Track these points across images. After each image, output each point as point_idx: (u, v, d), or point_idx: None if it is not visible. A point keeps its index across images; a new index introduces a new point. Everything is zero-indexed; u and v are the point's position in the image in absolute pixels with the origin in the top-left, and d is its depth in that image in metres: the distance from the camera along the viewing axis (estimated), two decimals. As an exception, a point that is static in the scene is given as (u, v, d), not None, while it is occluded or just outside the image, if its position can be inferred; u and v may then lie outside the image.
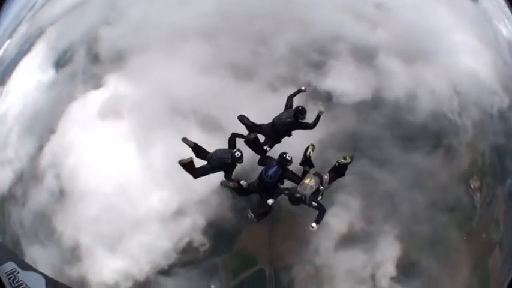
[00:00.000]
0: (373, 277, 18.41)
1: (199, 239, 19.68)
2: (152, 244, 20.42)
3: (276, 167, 12.13)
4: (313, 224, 11.03)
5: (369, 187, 19.99)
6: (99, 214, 20.89)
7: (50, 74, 22.19)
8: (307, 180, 11.18)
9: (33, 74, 21.91)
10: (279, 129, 13.40)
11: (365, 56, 22.03)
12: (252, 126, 13.16)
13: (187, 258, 18.74)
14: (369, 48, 22.65)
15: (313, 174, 11.49)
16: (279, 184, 11.84)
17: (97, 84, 22.67)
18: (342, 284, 18.35)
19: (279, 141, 13.49)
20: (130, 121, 22.04)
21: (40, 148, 21.13)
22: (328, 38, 22.02)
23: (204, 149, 12.84)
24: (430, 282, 18.54)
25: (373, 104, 21.22)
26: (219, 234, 18.07)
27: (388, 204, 19.96)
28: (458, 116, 20.41)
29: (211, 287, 19.86)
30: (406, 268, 18.45)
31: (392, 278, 18.23)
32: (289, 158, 12.17)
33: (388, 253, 18.71)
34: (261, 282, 19.47)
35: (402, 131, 20.79)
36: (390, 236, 19.55)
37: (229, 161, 12.40)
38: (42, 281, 14.17)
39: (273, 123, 13.52)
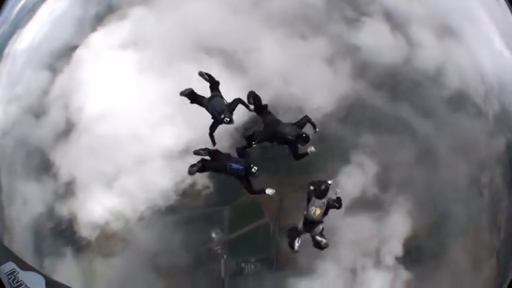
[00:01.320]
0: (378, 252, 16.96)
1: (203, 182, 18.38)
2: (152, 182, 19.57)
3: (241, 168, 12.81)
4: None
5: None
6: (101, 148, 20.50)
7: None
8: (318, 212, 11.83)
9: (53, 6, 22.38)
10: (275, 136, 13.58)
11: (398, 23, 21.87)
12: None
13: (187, 201, 16.67)
14: (402, 16, 22.09)
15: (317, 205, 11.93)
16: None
17: (121, 15, 22.15)
18: (346, 252, 16.99)
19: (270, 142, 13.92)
20: (150, 53, 21.19)
21: (52, 81, 21.18)
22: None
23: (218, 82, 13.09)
24: (436, 270, 18.25)
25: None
26: (226, 180, 16.53)
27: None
28: (483, 102, 19.33)
29: (212, 235, 19.26)
30: (413, 250, 17.81)
31: (397, 258, 17.65)
32: (254, 171, 12.87)
33: (397, 228, 17.39)
34: (264, 238, 19.11)
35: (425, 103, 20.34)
36: (404, 209, 18.30)
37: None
38: (42, 281, 13.89)
39: (275, 126, 13.51)
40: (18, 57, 20.87)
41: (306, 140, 12.84)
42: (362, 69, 20.41)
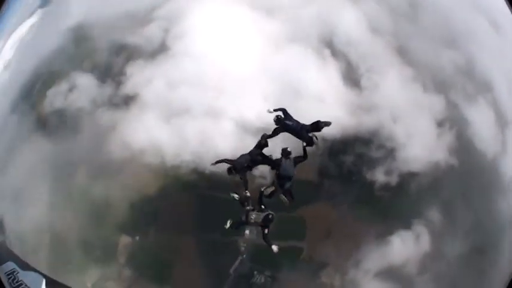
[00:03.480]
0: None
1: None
2: (210, 140, 18.26)
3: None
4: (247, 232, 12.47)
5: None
6: (180, 80, 19.25)
7: None
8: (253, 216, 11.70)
9: None
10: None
11: (502, 119, 20.79)
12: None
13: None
14: (506, 115, 20.80)
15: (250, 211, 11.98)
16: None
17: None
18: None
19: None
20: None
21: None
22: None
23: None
24: None
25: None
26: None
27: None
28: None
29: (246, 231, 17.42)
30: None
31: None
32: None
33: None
34: (290, 260, 18.32)
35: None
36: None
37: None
38: (42, 281, 13.43)
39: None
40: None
41: (286, 152, 12.05)
42: (461, 146, 19.37)
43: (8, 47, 19.47)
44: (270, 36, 19.46)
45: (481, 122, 20.19)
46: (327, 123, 12.13)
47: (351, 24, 20.20)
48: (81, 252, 18.65)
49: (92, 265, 18.52)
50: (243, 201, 12.23)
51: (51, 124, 19.38)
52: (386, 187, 18.37)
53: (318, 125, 12.25)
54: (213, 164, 12.44)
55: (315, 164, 18.43)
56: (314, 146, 12.23)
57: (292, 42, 19.35)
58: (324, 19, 20.10)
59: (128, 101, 19.23)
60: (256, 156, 12.29)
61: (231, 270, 18.39)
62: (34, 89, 19.49)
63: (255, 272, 18.41)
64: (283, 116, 12.17)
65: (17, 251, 18.03)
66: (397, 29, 20.62)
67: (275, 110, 12.17)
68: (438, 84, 19.92)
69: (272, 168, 12.33)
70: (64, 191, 18.87)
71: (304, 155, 12.19)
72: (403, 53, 20.16)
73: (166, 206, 18.63)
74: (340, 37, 20.01)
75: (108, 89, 19.47)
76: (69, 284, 17.94)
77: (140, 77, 19.44)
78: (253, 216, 11.74)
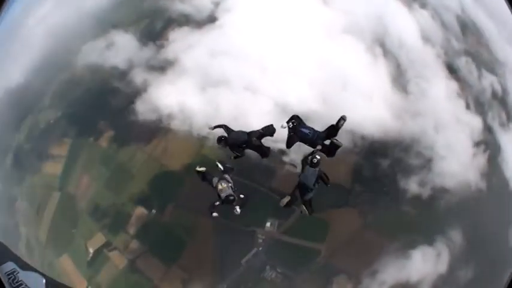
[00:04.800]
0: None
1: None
2: (244, 116, 17.53)
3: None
4: (238, 209, 11.48)
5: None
6: (221, 51, 18.58)
7: None
8: (219, 187, 11.62)
9: None
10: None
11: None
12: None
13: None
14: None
15: (220, 179, 11.85)
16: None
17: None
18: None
19: None
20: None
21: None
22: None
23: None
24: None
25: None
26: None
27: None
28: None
29: (267, 223, 17.73)
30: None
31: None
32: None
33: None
34: (306, 260, 17.86)
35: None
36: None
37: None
38: (42, 281, 13.18)
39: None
40: None
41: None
42: (491, 171, 18.66)
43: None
44: (323, 23, 18.79)
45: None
46: (342, 121, 11.38)
47: (405, 29, 19.68)
48: (89, 216, 18.18)
49: (99, 231, 17.93)
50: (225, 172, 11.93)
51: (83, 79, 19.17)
52: (417, 199, 17.57)
53: (333, 129, 11.54)
54: (210, 129, 12.11)
55: (348, 167, 17.65)
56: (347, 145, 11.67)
57: (346, 33, 18.77)
58: (379, 17, 19.46)
59: (165, 65, 18.73)
60: (254, 141, 11.80)
61: (243, 261, 17.54)
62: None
63: (268, 267, 17.59)
64: (296, 123, 11.68)
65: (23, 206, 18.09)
66: (446, 44, 20.20)
67: (288, 122, 11.67)
68: (478, 105, 19.49)
69: (262, 157, 11.98)
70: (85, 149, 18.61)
71: (327, 178, 11.58)
72: (450, 67, 19.73)
73: (188, 183, 17.87)
74: (393, 39, 19.39)
75: (147, 52, 19.12)
76: (70, 249, 17.76)
77: (182, 43, 19.02)
78: (222, 184, 11.59)
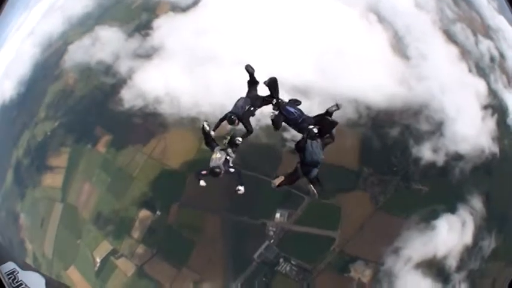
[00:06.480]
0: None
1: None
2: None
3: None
4: (240, 187, 10.84)
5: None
6: (208, 29, 18.36)
7: None
8: (213, 155, 11.09)
9: None
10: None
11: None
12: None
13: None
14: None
15: (221, 149, 11.29)
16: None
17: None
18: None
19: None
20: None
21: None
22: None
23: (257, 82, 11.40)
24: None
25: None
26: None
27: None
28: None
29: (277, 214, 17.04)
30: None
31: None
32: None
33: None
34: (320, 250, 17.14)
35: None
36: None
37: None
38: (42, 281, 13.45)
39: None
40: None
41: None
42: (502, 134, 18.17)
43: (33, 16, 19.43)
44: None
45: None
46: (335, 107, 10.45)
47: None
48: (93, 225, 17.60)
49: (104, 239, 17.40)
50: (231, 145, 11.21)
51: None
52: (432, 167, 16.87)
53: (324, 117, 10.63)
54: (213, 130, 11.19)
55: (355, 142, 16.78)
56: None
57: (337, 1, 18.21)
58: None
59: (151, 51, 18.45)
60: (256, 96, 11.10)
61: (255, 256, 16.61)
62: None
63: (281, 260, 16.66)
64: (286, 101, 10.91)
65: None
66: (440, 11, 19.77)
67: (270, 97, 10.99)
68: (479, 69, 18.89)
69: (275, 108, 10.89)
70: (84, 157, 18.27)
71: (331, 136, 10.67)
72: (447, 33, 19.21)
73: (191, 181, 16.96)
74: (387, 6, 18.74)
75: (133, 42, 18.82)
76: (77, 261, 17.30)
77: (167, 28, 18.75)
78: (217, 154, 10.96)
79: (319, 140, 10.51)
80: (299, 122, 10.70)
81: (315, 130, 10.43)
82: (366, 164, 17.02)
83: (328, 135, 10.78)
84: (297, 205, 16.72)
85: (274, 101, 10.85)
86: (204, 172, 10.97)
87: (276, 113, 10.84)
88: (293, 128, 10.89)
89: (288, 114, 10.74)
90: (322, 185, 10.66)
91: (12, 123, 18.90)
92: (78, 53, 18.77)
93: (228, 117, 10.80)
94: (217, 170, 10.81)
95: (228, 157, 11.15)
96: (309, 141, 10.51)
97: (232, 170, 11.03)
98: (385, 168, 17.02)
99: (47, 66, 19.11)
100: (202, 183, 10.80)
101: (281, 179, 11.15)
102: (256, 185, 16.22)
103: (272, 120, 10.87)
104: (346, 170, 16.88)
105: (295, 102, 11.00)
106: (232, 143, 11.36)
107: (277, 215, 16.84)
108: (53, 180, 18.32)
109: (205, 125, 11.20)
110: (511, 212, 16.95)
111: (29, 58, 18.99)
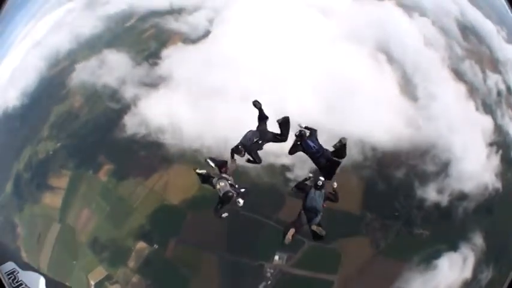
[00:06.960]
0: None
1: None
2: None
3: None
4: (240, 200, 10.82)
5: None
6: (216, 63, 18.29)
7: None
8: (217, 186, 11.09)
9: None
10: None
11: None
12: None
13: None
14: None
15: (218, 179, 11.37)
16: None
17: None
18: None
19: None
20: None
21: None
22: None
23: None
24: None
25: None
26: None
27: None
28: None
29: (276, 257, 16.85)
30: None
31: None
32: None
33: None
34: None
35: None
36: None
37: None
38: (42, 281, 13.56)
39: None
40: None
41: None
42: (505, 170, 18.05)
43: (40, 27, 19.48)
44: (323, 31, 18.21)
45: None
46: (339, 143, 10.44)
47: (407, 36, 19.16)
48: (89, 249, 17.49)
49: (99, 264, 17.28)
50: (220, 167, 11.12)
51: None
52: (436, 208, 17.03)
53: (337, 152, 10.72)
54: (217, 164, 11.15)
55: (359, 184, 16.82)
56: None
57: (347, 40, 18.00)
58: (381, 26, 18.86)
59: (158, 80, 18.49)
60: (266, 131, 11.13)
61: (254, 291, 16.58)
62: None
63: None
64: (308, 134, 11.09)
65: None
66: (449, 48, 19.92)
67: (307, 128, 11.02)
68: (487, 106, 19.03)
69: (298, 139, 10.95)
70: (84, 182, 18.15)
71: (336, 196, 10.91)
72: (455, 71, 19.33)
73: (190, 217, 17.40)
74: (396, 45, 18.76)
75: (141, 70, 18.83)
76: (71, 280, 17.28)
77: (175, 58, 18.73)
78: (220, 183, 10.93)
79: (323, 191, 10.91)
80: (317, 156, 10.98)
81: (320, 182, 10.76)
82: (369, 208, 16.95)
83: (334, 192, 10.98)
84: (296, 248, 16.75)
85: (300, 132, 11.01)
86: (219, 206, 10.97)
87: (302, 126, 11.01)
88: (310, 158, 11.09)
89: (306, 147, 10.99)
90: (324, 234, 10.67)
91: (15, 134, 18.92)
92: (85, 73, 18.81)
93: (235, 147, 11.04)
94: (230, 194, 10.82)
95: (229, 181, 11.18)
96: (313, 189, 10.91)
97: (243, 189, 11.01)
98: (388, 213, 16.92)
99: (53, 84, 19.07)
100: (224, 215, 10.80)
101: (292, 231, 11.09)
102: (256, 226, 16.49)
103: (292, 146, 11.11)
104: (348, 215, 16.77)
105: (312, 135, 11.16)
106: (218, 163, 11.26)
107: (276, 257, 16.78)
108: (52, 200, 18.19)
109: (197, 170, 11.18)
110: (508, 243, 16.94)
111: (34, 70, 18.97)
